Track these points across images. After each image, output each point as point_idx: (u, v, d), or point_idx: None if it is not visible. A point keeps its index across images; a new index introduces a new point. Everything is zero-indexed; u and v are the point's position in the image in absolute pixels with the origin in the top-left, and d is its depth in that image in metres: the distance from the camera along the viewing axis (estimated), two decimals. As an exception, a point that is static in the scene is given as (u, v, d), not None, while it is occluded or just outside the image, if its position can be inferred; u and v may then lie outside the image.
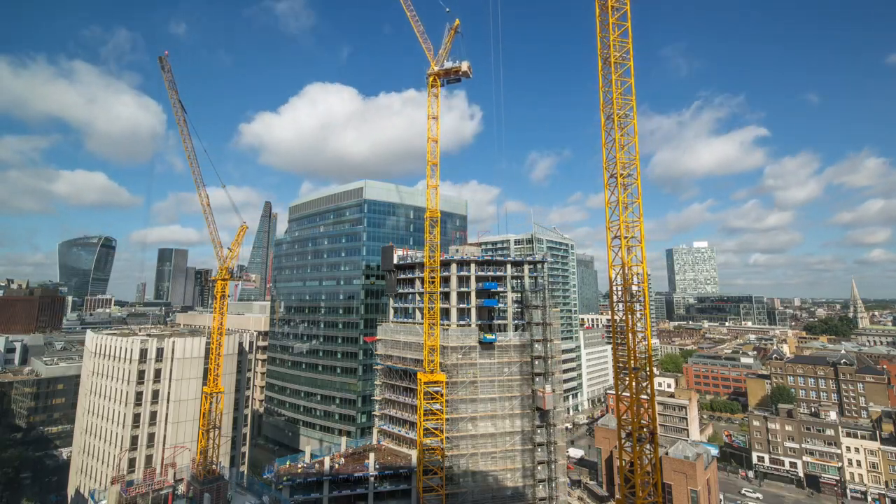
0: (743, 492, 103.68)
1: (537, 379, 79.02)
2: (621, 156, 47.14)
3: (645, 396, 47.42)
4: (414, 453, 73.67)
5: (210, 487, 57.32)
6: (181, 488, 60.67)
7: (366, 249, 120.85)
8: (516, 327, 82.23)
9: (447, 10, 75.44)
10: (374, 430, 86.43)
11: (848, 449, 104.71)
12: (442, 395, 71.62)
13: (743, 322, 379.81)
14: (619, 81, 47.94)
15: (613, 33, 48.19)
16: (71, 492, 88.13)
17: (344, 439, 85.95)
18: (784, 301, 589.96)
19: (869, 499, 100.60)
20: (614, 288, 48.74)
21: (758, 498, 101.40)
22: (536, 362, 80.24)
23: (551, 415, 78.13)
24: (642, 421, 47.46)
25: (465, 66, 75.59)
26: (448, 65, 75.80)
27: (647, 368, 47.32)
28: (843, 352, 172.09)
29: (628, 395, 47.51)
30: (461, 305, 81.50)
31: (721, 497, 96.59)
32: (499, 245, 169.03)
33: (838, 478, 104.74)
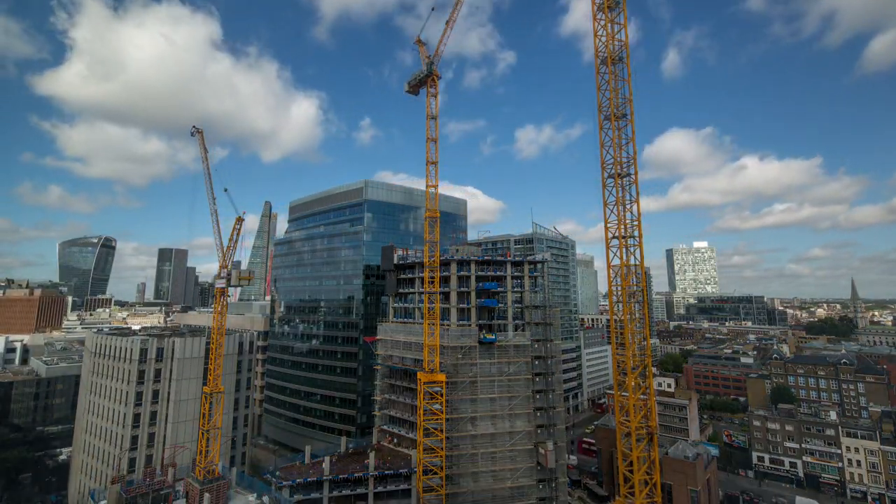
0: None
1: (539, 431, 78.11)
2: (619, 155, 47.13)
3: (644, 396, 47.47)
4: (414, 453, 73.66)
5: (210, 487, 57.28)
6: (181, 488, 60.66)
7: (366, 249, 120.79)
8: (516, 327, 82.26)
9: (433, 8, 75.67)
10: (374, 430, 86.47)
11: (848, 449, 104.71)
12: (442, 395, 71.66)
13: (743, 322, 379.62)
14: (617, 81, 47.93)
15: (609, 32, 48.15)
16: (71, 492, 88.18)
17: (344, 439, 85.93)
18: (784, 301, 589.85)
19: (869, 499, 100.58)
20: (613, 288, 48.81)
21: None
22: (536, 362, 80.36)
23: (555, 471, 77.58)
24: (641, 421, 47.49)
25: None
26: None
27: (647, 368, 47.37)
28: (843, 352, 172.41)
29: (628, 395, 47.53)
30: (461, 305, 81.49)
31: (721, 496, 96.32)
32: (499, 245, 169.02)
33: (838, 478, 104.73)
